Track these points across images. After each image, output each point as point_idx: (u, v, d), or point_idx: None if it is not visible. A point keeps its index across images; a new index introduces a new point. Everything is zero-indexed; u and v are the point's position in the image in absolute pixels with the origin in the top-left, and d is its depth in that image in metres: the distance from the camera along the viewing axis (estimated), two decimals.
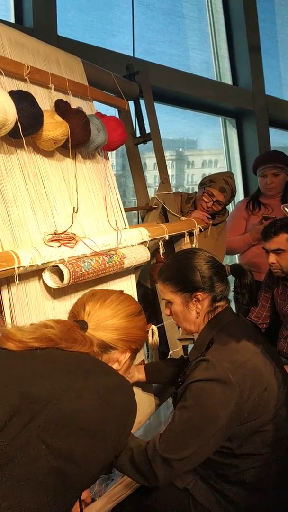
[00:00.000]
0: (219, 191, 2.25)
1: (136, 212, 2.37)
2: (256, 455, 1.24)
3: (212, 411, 1.15)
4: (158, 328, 1.88)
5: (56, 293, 1.38)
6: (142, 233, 1.75)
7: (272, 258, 2.05)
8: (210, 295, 1.35)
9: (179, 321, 1.41)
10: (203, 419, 1.15)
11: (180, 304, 1.36)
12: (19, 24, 2.32)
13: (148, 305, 2.25)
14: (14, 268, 1.14)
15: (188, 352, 1.52)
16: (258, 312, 2.34)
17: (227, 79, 3.86)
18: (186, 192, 2.50)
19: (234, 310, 1.45)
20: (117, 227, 1.66)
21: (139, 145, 2.22)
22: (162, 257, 1.91)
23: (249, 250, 2.72)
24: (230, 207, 3.81)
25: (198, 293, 1.34)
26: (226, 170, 3.96)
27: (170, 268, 1.40)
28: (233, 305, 1.45)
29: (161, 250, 1.91)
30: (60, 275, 1.30)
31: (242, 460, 1.24)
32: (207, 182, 2.29)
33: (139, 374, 1.59)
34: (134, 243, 1.69)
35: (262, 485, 1.26)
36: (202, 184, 2.34)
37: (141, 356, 1.81)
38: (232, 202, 3.83)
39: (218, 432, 1.16)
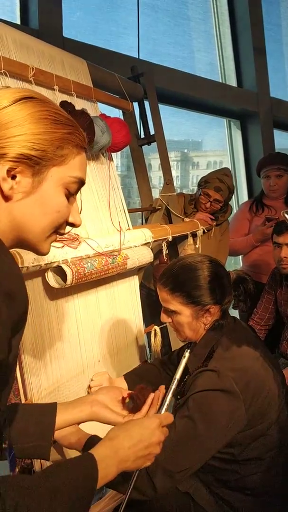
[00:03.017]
0: (215, 191, 2.26)
1: (140, 213, 2.38)
2: (258, 460, 1.23)
3: (216, 421, 1.13)
4: (160, 329, 1.88)
5: (59, 293, 1.39)
6: (145, 234, 1.75)
7: (286, 252, 2.04)
8: (221, 307, 1.32)
9: (182, 330, 1.34)
10: (207, 429, 1.12)
11: (189, 316, 1.30)
12: (25, 25, 2.33)
13: (151, 306, 2.26)
14: None
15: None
16: (260, 314, 2.34)
17: (232, 81, 3.87)
18: (189, 193, 2.51)
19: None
20: (120, 228, 1.66)
21: (143, 146, 2.23)
22: (165, 258, 1.92)
23: (252, 252, 2.72)
24: (235, 207, 3.82)
25: (212, 306, 1.29)
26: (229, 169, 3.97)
27: (178, 279, 1.31)
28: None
29: (165, 251, 1.91)
30: (63, 276, 1.31)
31: (244, 465, 1.23)
32: (203, 183, 2.31)
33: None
34: (137, 244, 1.70)
35: (265, 491, 1.24)
36: (199, 185, 2.36)
37: (135, 360, 1.82)
38: (236, 202, 3.85)
39: (220, 440, 1.15)
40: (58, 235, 0.78)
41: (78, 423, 1.04)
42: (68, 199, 0.75)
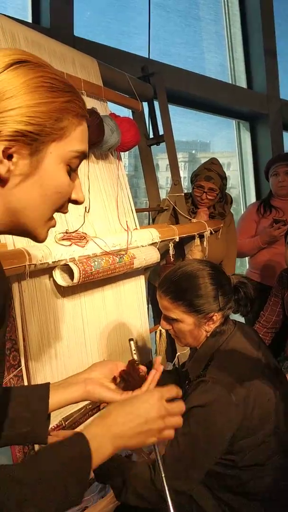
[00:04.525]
0: (206, 181, 2.26)
1: (147, 212, 2.38)
2: (259, 466, 1.22)
3: (217, 434, 1.14)
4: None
5: (65, 291, 1.39)
6: (152, 234, 1.76)
7: None
8: (224, 313, 1.31)
9: (183, 337, 1.33)
10: (209, 443, 1.14)
11: (191, 324, 1.28)
12: (36, 24, 2.33)
13: (157, 305, 2.26)
14: (25, 265, 1.16)
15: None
16: (267, 317, 2.33)
17: (242, 82, 3.85)
18: (184, 192, 2.51)
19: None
20: (127, 227, 1.66)
21: (152, 146, 2.23)
22: (172, 259, 1.92)
23: (259, 254, 2.71)
24: (242, 209, 3.81)
25: (215, 314, 1.28)
26: (237, 171, 3.97)
27: (180, 287, 1.29)
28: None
29: (171, 252, 1.91)
30: (70, 274, 1.31)
31: (245, 471, 1.23)
32: (194, 177, 2.33)
33: None
34: (144, 244, 1.70)
35: (268, 496, 1.24)
36: (191, 182, 2.37)
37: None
38: (244, 204, 3.84)
39: (222, 450, 1.16)
40: (61, 213, 0.70)
41: (72, 404, 0.96)
42: (70, 176, 0.67)
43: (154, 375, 0.97)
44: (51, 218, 0.68)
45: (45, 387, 0.91)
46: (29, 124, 0.60)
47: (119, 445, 0.75)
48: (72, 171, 0.67)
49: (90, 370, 0.96)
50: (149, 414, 0.78)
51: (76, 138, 0.65)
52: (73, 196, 0.69)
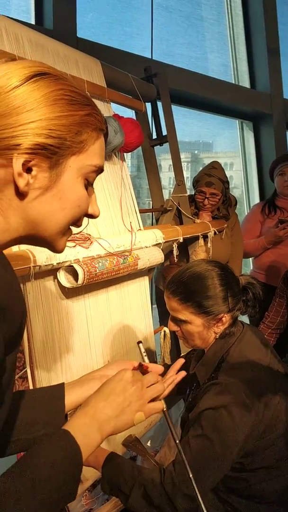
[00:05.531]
0: (207, 186, 2.26)
1: (150, 213, 2.38)
2: (267, 469, 1.22)
3: (231, 437, 1.12)
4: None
5: (70, 293, 1.39)
6: (156, 235, 1.75)
7: None
8: (233, 315, 1.30)
9: (191, 339, 1.31)
10: (222, 446, 1.11)
11: (200, 325, 1.27)
12: (39, 25, 2.34)
13: (162, 306, 2.26)
14: (30, 267, 1.16)
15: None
16: (272, 317, 2.32)
17: (245, 82, 3.85)
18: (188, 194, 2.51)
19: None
20: (131, 228, 1.66)
21: (155, 147, 2.23)
22: (175, 259, 1.91)
23: (263, 254, 2.70)
24: (246, 209, 3.80)
25: (225, 315, 1.27)
26: (241, 171, 3.96)
27: (189, 288, 1.28)
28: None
29: (175, 253, 1.91)
30: (75, 275, 1.31)
31: (252, 474, 1.22)
32: (195, 183, 2.33)
33: None
34: (148, 245, 1.69)
35: (274, 499, 1.23)
36: (193, 187, 2.36)
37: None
38: (247, 204, 3.83)
39: (235, 454, 1.14)
40: (75, 227, 0.71)
41: None
42: (87, 190, 0.68)
43: (174, 379, 0.99)
44: (69, 229, 0.69)
45: (60, 387, 0.90)
46: (50, 137, 0.60)
47: (107, 430, 0.74)
48: (89, 185, 0.68)
49: (106, 367, 0.95)
50: (126, 390, 0.78)
51: (95, 152, 0.66)
52: (90, 210, 0.70)
